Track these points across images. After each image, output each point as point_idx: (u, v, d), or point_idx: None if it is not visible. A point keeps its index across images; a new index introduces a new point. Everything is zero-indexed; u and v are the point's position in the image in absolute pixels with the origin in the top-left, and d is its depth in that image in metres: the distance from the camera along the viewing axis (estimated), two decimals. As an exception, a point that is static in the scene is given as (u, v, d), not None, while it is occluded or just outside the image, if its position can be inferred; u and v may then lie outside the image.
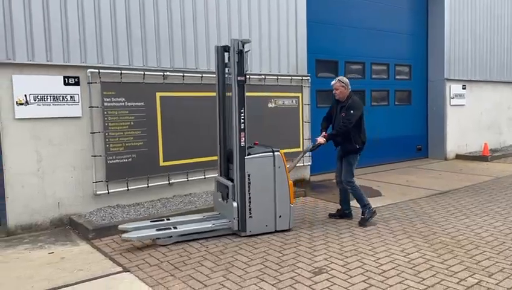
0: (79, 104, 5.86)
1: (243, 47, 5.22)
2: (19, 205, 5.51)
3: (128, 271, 4.22)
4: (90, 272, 4.19)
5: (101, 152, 6.04)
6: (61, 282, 3.96)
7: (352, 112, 5.55)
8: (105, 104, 6.01)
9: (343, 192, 5.93)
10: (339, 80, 5.77)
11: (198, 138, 6.85)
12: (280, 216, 5.38)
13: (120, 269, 4.28)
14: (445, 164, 10.79)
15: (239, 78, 5.22)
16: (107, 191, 6.09)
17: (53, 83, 5.66)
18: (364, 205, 5.71)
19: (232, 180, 5.37)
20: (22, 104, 5.46)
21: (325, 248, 4.78)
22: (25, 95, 5.47)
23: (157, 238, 4.96)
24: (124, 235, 4.85)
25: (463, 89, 11.78)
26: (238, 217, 5.20)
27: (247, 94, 5.67)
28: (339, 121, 5.71)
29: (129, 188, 6.28)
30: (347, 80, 5.80)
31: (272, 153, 5.38)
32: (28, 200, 5.57)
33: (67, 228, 5.76)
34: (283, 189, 5.41)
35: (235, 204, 5.19)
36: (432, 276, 3.96)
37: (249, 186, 5.24)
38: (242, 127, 5.21)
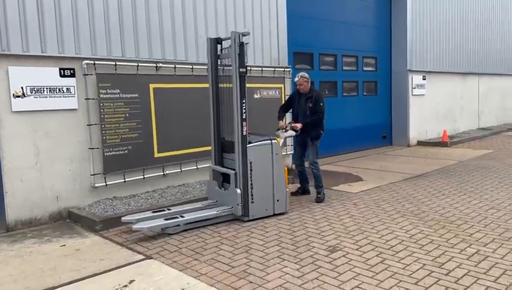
0: (75, 96, 5.80)
1: (243, 39, 5.39)
2: (19, 200, 5.41)
3: (151, 258, 4.32)
4: (114, 261, 4.25)
5: (98, 144, 6.01)
6: (89, 271, 4.01)
7: (321, 104, 6.27)
8: (101, 95, 5.97)
9: (302, 173, 6.67)
10: (302, 76, 6.36)
11: (190, 128, 6.96)
12: (278, 200, 5.69)
13: (142, 256, 4.37)
14: (410, 150, 11.50)
15: (241, 70, 5.40)
16: (104, 184, 6.08)
17: (49, 75, 5.57)
18: (322, 186, 6.41)
19: (230, 169, 5.56)
20: (18, 96, 5.34)
21: (330, 228, 5.10)
22: (22, 87, 5.36)
23: (166, 227, 5.07)
24: (135, 226, 4.92)
25: (423, 79, 12.56)
26: (241, 203, 5.41)
27: (248, 85, 6.00)
28: (304, 110, 6.34)
29: (126, 179, 6.30)
30: (307, 75, 6.41)
31: (270, 141, 5.66)
32: (27, 194, 5.47)
33: (67, 221, 5.71)
34: (280, 175, 5.71)
35: (238, 191, 5.40)
36: (436, 248, 4.38)
37: (250, 173, 5.48)
38: (244, 117, 5.41)
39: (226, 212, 5.47)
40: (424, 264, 4.00)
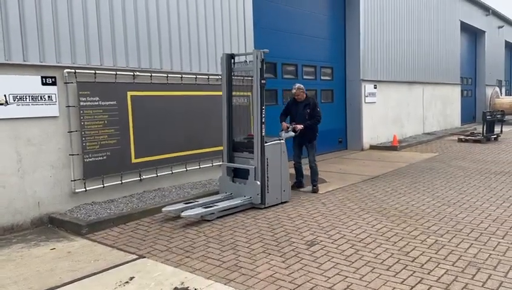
0: (56, 104, 5.93)
1: (264, 56, 6.26)
2: (1, 206, 5.47)
3: (144, 257, 4.59)
4: (109, 261, 4.48)
5: (78, 151, 6.16)
6: (88, 271, 4.23)
7: (318, 109, 7.26)
8: (81, 103, 6.14)
9: (299, 169, 7.77)
10: (298, 88, 7.46)
11: (165, 134, 7.23)
12: (284, 190, 6.75)
13: (135, 256, 4.62)
14: (364, 154, 12.30)
15: (262, 81, 6.29)
16: (84, 189, 6.23)
17: (31, 83, 5.68)
18: (317, 180, 7.62)
19: (246, 165, 6.51)
20: (1, 104, 5.42)
21: (305, 225, 5.58)
22: (5, 95, 5.44)
23: (208, 214, 5.82)
24: (184, 214, 5.66)
25: (374, 88, 13.47)
26: (260, 193, 6.30)
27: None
28: (303, 115, 7.24)
29: (104, 185, 6.47)
30: (303, 86, 7.39)
31: (280, 141, 6.72)
32: (10, 200, 5.54)
33: (49, 226, 5.81)
34: (286, 169, 6.81)
35: (258, 183, 6.35)
36: (400, 240, 4.97)
37: (267, 168, 6.41)
38: (263, 121, 6.34)
39: (247, 201, 6.37)
40: (392, 254, 4.56)
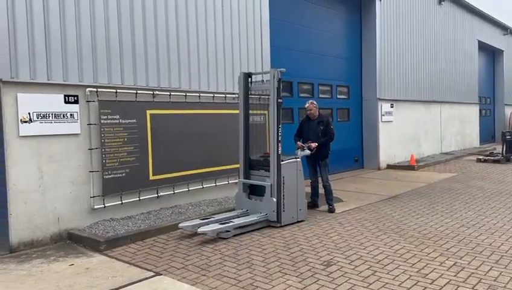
0: (78, 122, 6.07)
1: (281, 76, 6.35)
2: (22, 222, 5.57)
3: (161, 274, 4.62)
4: (127, 278, 4.52)
5: (98, 167, 6.27)
6: (105, 287, 4.27)
7: (331, 127, 7.37)
8: (102, 121, 6.27)
9: (315, 188, 7.69)
10: (312, 102, 7.49)
11: (182, 152, 7.31)
12: (300, 209, 6.71)
13: (152, 273, 4.65)
14: (381, 173, 12.21)
15: (279, 100, 6.35)
16: (103, 205, 6.32)
17: (54, 101, 5.84)
18: (333, 199, 7.55)
19: (262, 182, 6.56)
20: (25, 121, 5.57)
21: (322, 245, 5.55)
22: (29, 113, 5.60)
23: (224, 231, 5.86)
24: (201, 229, 5.73)
25: (391, 107, 13.43)
26: (276, 211, 6.31)
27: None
28: (316, 133, 7.32)
29: (122, 201, 6.55)
30: (315, 102, 7.48)
31: (295, 160, 6.71)
32: (31, 216, 5.65)
33: (67, 242, 5.89)
34: (301, 187, 6.77)
35: (274, 199, 6.37)
36: (418, 261, 4.90)
37: (283, 186, 6.43)
38: (279, 139, 6.41)
39: (263, 218, 6.39)
40: (411, 275, 4.50)
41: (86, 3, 6.16)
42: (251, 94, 7.04)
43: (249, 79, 6.96)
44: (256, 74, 7.18)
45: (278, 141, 6.37)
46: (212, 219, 6.22)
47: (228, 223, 6.00)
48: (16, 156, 5.50)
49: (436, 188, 9.65)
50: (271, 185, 6.41)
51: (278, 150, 6.38)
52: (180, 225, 6.04)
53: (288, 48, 10.38)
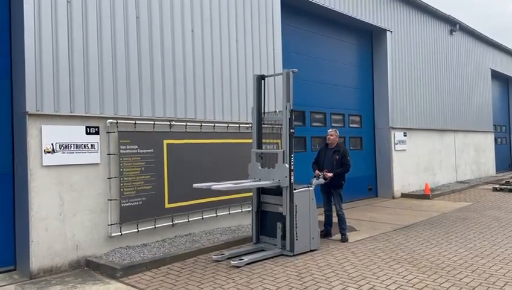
0: (98, 152, 6.31)
1: (292, 107, 6.59)
2: (43, 249, 5.75)
3: (176, 302, 4.72)
4: (143, 305, 4.63)
5: (116, 196, 6.47)
6: (123, 314, 4.38)
7: (348, 158, 7.39)
8: (121, 151, 6.50)
9: (329, 217, 7.76)
10: (335, 130, 7.83)
11: (197, 181, 7.42)
12: (313, 238, 6.78)
13: (167, 301, 4.76)
14: (395, 202, 12.18)
15: (291, 130, 6.55)
16: (120, 233, 6.48)
17: (76, 132, 6.10)
18: (346, 228, 7.60)
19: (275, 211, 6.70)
20: (49, 152, 5.83)
21: (334, 275, 5.59)
22: (52, 144, 5.86)
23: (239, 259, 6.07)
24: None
25: (404, 136, 13.50)
26: (289, 241, 6.47)
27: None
28: (331, 161, 7.52)
29: (139, 229, 6.71)
30: (337, 131, 7.64)
31: (308, 188, 6.82)
32: (51, 243, 5.83)
33: (85, 269, 6.04)
34: (314, 216, 6.84)
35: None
36: (431, 292, 4.93)
37: (296, 215, 6.51)
38: (292, 168, 6.52)
39: (278, 248, 6.55)
40: (423, 306, 4.53)
41: (108, 42, 6.49)
42: (264, 124, 7.22)
43: (262, 82, 7.11)
44: (268, 76, 7.53)
45: (290, 170, 6.49)
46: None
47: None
48: (38, 185, 5.73)
49: (451, 217, 9.61)
50: (284, 215, 6.51)
51: (290, 179, 6.49)
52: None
53: (301, 78, 10.59)
